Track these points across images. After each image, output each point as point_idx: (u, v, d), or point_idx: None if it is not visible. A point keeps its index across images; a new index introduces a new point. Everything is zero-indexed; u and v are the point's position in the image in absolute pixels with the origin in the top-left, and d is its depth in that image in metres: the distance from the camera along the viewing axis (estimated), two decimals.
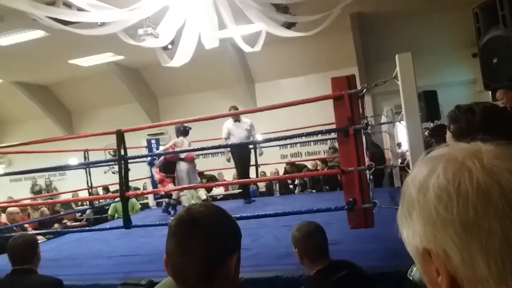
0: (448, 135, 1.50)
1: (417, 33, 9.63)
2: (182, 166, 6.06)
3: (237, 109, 6.64)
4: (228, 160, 6.82)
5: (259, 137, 7.77)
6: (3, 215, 6.99)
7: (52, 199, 9.69)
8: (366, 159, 3.11)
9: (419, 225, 0.52)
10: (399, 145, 7.96)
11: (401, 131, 9.32)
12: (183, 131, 6.18)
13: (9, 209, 6.10)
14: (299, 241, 2.21)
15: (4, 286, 2.64)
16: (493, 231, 0.45)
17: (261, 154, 7.05)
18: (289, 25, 7.15)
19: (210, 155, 9.94)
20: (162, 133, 11.64)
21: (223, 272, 0.95)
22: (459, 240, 0.47)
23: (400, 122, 3.46)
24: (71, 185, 10.77)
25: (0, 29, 7.54)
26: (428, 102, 5.40)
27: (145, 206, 8.14)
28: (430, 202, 0.50)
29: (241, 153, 6.71)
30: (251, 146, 7.01)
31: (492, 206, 0.45)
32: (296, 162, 9.55)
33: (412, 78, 3.06)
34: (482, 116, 1.42)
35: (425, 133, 5.34)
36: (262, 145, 7.24)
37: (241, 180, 6.73)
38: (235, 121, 6.67)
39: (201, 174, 9.36)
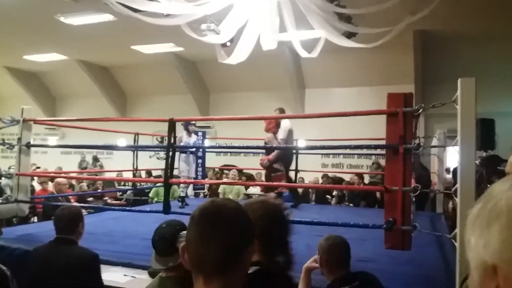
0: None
1: (480, 57, 9.22)
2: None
3: (283, 111, 6.58)
4: None
5: (299, 142, 7.75)
6: (51, 184, 7.39)
7: (97, 175, 10.12)
8: (412, 181, 3.03)
9: (498, 239, 0.48)
10: (447, 170, 7.65)
11: (451, 156, 8.98)
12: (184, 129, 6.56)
13: (57, 180, 6.42)
14: (324, 249, 2.36)
15: (46, 252, 2.78)
16: None
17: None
18: (349, 35, 7.06)
19: (251, 154, 10.02)
20: (209, 127, 11.86)
21: (239, 262, 1.00)
22: None
23: (453, 147, 3.34)
24: (117, 165, 11.24)
25: (74, 9, 7.96)
26: (484, 130, 5.16)
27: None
28: None
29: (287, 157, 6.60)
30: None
31: None
32: (332, 175, 9.37)
33: (473, 104, 2.94)
34: None
35: (476, 161, 5.11)
36: (304, 151, 7.17)
37: (279, 183, 6.72)
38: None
39: (240, 171, 9.46)
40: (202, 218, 1.02)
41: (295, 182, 7.85)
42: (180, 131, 6.53)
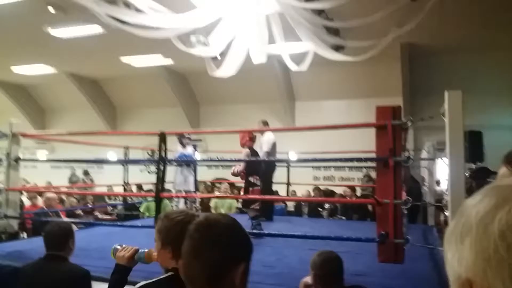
0: (505, 172, 1.47)
1: (467, 70, 9.39)
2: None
3: (267, 123, 6.49)
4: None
5: (290, 155, 7.75)
6: (40, 199, 7.29)
7: (87, 189, 10.02)
8: (403, 193, 3.05)
9: (470, 254, 0.48)
10: (437, 182, 7.72)
11: (441, 169, 9.06)
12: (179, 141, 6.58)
13: (48, 195, 6.34)
14: (317, 265, 2.38)
15: (36, 269, 2.74)
16: None
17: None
18: (337, 48, 7.16)
19: None
20: (200, 140, 11.83)
21: (229, 278, 1.00)
22: (510, 284, 0.44)
23: (442, 159, 3.38)
24: (107, 179, 11.14)
25: (63, 20, 7.94)
26: (472, 142, 5.20)
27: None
28: (491, 237, 0.46)
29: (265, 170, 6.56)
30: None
31: None
32: (323, 188, 9.39)
33: (460, 117, 3.00)
34: None
35: (466, 174, 5.17)
36: (295, 164, 7.18)
37: (271, 196, 6.68)
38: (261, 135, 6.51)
39: (232, 185, 9.42)
40: (195, 233, 1.04)
41: (287, 195, 7.85)
42: (173, 144, 6.51)
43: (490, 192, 0.50)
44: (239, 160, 6.28)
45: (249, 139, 6.28)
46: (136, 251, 2.13)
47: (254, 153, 6.24)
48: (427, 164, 6.68)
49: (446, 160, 3.05)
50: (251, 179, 5.92)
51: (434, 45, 9.22)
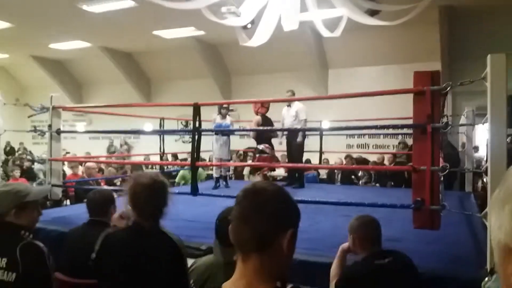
0: None
1: (509, 32, 8.86)
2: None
3: (294, 93, 6.65)
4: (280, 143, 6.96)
5: (323, 123, 7.71)
6: (80, 168, 7.62)
7: (125, 159, 10.34)
8: (441, 160, 2.98)
9: (509, 221, 0.49)
10: (475, 148, 7.48)
11: (480, 135, 8.74)
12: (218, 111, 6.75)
13: (88, 164, 6.61)
14: (355, 228, 2.41)
15: (81, 233, 2.89)
16: None
17: (300, 141, 6.65)
18: (372, 13, 6.88)
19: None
20: (232, 110, 11.88)
21: (276, 244, 1.02)
22: None
23: (483, 124, 3.26)
24: (144, 149, 11.45)
25: None
26: None
27: (209, 177, 8.44)
28: None
29: (289, 139, 6.66)
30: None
31: None
32: (356, 155, 9.29)
33: (504, 81, 2.85)
34: None
35: (507, 140, 4.97)
36: (328, 132, 7.13)
37: (302, 164, 6.71)
38: (287, 105, 6.68)
39: (263, 152, 9.46)
40: (243, 199, 1.08)
41: (319, 163, 7.83)
42: (207, 114, 6.61)
43: None
44: (267, 129, 6.37)
45: (262, 105, 6.41)
46: None
47: (265, 120, 6.32)
48: (465, 130, 6.46)
49: (486, 126, 2.93)
50: (260, 146, 6.05)
51: (473, 7, 8.72)
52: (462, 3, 8.46)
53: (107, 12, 8.98)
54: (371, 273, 2.21)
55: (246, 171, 8.45)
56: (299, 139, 6.46)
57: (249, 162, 8.64)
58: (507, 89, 2.94)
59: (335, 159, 9.15)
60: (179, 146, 10.82)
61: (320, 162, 7.90)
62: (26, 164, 8.92)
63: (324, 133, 7.52)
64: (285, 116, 6.66)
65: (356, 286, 2.22)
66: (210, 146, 8.15)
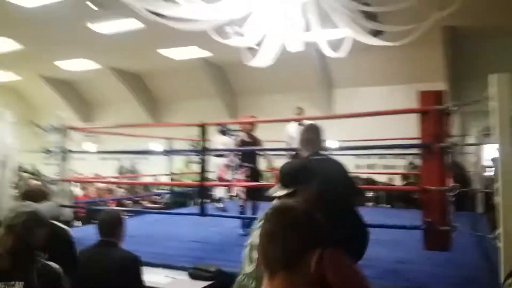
0: None
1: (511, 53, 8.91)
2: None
3: (302, 110, 6.60)
4: None
5: (330, 143, 7.68)
6: (90, 189, 7.66)
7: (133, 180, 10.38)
8: (450, 180, 2.98)
9: None
10: (484, 168, 7.42)
11: (489, 155, 8.68)
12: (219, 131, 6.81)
13: (99, 185, 6.65)
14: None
15: (91, 254, 2.90)
16: None
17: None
18: (375, 33, 6.96)
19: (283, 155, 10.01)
20: (239, 130, 11.93)
21: (303, 263, 1.02)
22: None
23: (490, 144, 3.27)
24: (152, 169, 11.48)
25: (102, 16, 8.21)
26: None
27: None
28: None
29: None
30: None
31: None
32: (365, 176, 9.21)
33: (509, 101, 2.88)
34: None
35: None
36: (336, 152, 7.08)
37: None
38: (298, 124, 6.43)
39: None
40: (271, 217, 1.09)
41: None
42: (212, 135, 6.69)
43: None
44: (275, 149, 6.36)
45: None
46: None
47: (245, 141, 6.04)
48: (474, 150, 6.43)
49: (494, 146, 2.94)
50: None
51: (477, 28, 8.80)
52: (465, 24, 8.54)
53: (115, 33, 9.17)
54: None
55: None
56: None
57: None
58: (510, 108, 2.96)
59: None
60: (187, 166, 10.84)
61: None
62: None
63: (332, 153, 7.49)
64: (295, 135, 6.37)
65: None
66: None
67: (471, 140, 6.58)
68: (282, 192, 1.93)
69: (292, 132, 6.71)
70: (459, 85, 9.58)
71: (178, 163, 9.06)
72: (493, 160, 6.84)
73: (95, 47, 10.44)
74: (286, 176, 1.99)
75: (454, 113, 3.27)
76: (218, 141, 6.83)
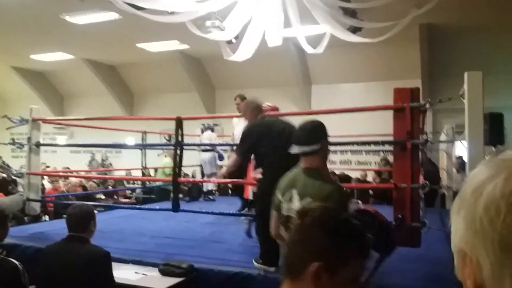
0: None
1: (488, 51, 9.12)
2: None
3: (244, 97, 6.01)
4: None
5: None
6: (61, 183, 7.47)
7: (106, 174, 10.18)
8: (421, 177, 3.02)
9: (462, 225, 0.50)
10: (456, 165, 7.60)
11: (460, 152, 8.90)
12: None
13: (70, 179, 6.49)
14: None
15: (59, 249, 2.82)
16: None
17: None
18: (354, 30, 7.01)
19: None
20: (216, 125, 11.87)
21: (305, 274, 0.95)
22: (494, 257, 0.45)
23: (461, 142, 3.33)
24: (125, 163, 11.30)
25: (79, 8, 7.99)
26: (493, 125, 5.09)
27: None
28: (478, 210, 0.47)
29: None
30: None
31: None
32: (339, 172, 9.30)
33: (480, 98, 2.93)
34: None
35: (485, 157, 5.07)
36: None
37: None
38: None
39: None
40: (301, 220, 1.05)
41: None
42: (191, 129, 6.70)
43: (485, 167, 0.51)
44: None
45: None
46: None
47: None
48: (446, 147, 6.57)
49: (465, 143, 2.99)
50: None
51: (454, 26, 8.97)
52: (442, 22, 8.69)
53: (90, 24, 8.92)
54: None
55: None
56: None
57: None
58: (483, 106, 3.02)
59: None
60: (162, 161, 10.72)
61: None
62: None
63: None
64: (237, 128, 5.97)
65: None
66: (194, 161, 8.12)
67: (443, 137, 6.71)
68: (309, 149, 2.15)
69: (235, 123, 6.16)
70: (436, 83, 9.76)
71: (154, 157, 8.93)
72: (459, 157, 7.01)
73: (70, 38, 10.15)
74: (310, 133, 2.21)
75: (429, 110, 3.31)
76: (205, 136, 6.83)
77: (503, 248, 0.45)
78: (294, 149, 2.19)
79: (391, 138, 3.31)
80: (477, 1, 7.57)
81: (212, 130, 7.14)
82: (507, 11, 7.93)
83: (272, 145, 2.93)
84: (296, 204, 2.07)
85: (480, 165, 0.52)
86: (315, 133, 2.21)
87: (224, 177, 3.98)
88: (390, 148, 7.66)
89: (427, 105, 3.27)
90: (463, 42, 9.36)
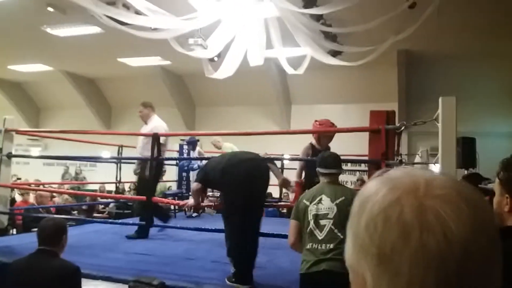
0: (496, 181, 1.46)
1: (462, 77, 9.46)
2: None
3: (147, 106, 5.98)
4: None
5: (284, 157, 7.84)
6: (32, 195, 7.24)
7: (79, 187, 9.93)
8: None
9: (350, 242, 0.51)
10: None
11: None
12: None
13: (40, 192, 6.32)
14: None
15: (27, 264, 2.72)
16: (401, 272, 0.44)
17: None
18: (335, 53, 7.19)
19: None
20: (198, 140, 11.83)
21: None
22: (374, 272, 0.47)
23: (434, 164, 3.41)
24: (100, 177, 11.08)
25: (61, 21, 7.94)
26: (465, 148, 5.27)
27: None
28: (361, 227, 0.49)
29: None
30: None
31: (408, 248, 0.44)
32: None
33: (453, 122, 3.02)
34: None
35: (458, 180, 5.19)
36: (290, 166, 7.18)
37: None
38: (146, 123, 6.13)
39: None
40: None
41: (280, 197, 7.84)
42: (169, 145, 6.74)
43: (376, 180, 0.52)
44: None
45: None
46: None
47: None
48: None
49: (438, 166, 3.06)
50: None
51: (430, 53, 9.29)
52: (419, 49, 8.99)
53: (71, 36, 8.85)
54: None
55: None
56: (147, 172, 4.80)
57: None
58: (456, 130, 3.11)
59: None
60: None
61: (280, 197, 7.92)
62: None
63: (285, 167, 7.57)
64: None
65: None
66: (171, 176, 8.04)
67: (417, 159, 6.86)
68: (336, 171, 2.73)
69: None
70: (412, 106, 10.02)
71: (129, 172, 8.81)
72: None
73: (49, 50, 10.04)
74: (337, 160, 2.78)
75: (403, 133, 3.39)
76: (197, 151, 6.93)
77: (381, 262, 0.46)
78: (324, 170, 2.71)
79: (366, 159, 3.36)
80: (452, 30, 7.88)
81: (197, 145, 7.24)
82: (481, 40, 8.27)
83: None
84: (327, 203, 2.54)
85: (369, 181, 0.53)
86: (339, 161, 2.80)
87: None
88: (366, 168, 7.80)
89: (402, 128, 3.36)
90: (438, 69, 9.68)
